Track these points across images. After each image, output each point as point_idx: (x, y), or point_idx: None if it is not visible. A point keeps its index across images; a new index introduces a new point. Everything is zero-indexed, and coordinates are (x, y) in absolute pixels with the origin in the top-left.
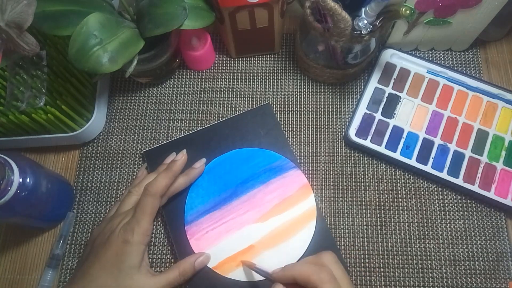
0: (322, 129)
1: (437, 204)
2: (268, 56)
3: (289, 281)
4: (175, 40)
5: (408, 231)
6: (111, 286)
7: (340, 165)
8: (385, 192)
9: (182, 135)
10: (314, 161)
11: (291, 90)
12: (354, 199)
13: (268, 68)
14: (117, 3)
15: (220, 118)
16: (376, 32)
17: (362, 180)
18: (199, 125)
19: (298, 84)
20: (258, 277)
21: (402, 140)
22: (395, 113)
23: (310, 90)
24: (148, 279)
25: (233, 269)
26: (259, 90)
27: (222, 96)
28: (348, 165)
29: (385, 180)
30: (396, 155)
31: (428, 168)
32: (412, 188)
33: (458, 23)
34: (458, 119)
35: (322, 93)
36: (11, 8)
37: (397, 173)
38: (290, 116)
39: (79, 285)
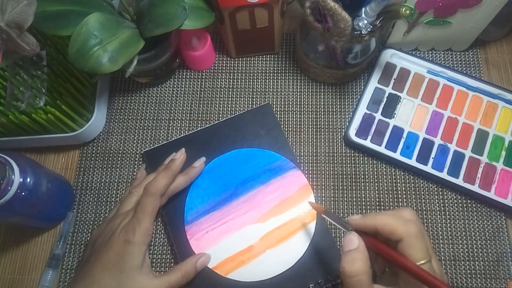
0: (322, 129)
1: (437, 204)
2: (268, 56)
3: (369, 230)
4: (175, 40)
5: None
6: (113, 287)
7: (340, 165)
8: (385, 192)
9: (182, 135)
10: (314, 161)
11: (291, 90)
12: (354, 199)
13: (268, 68)
14: (117, 3)
15: (220, 118)
16: (376, 32)
17: (362, 180)
18: (199, 125)
19: (298, 84)
20: (257, 277)
21: (402, 140)
22: (395, 113)
23: (310, 90)
24: (150, 281)
25: (233, 269)
26: (259, 90)
27: (222, 96)
28: (348, 165)
29: (385, 180)
30: (396, 155)
31: (428, 168)
32: (412, 188)
33: (458, 23)
34: (458, 119)
35: (322, 93)
36: (12, 8)
37: (397, 173)
38: (290, 116)
39: (80, 286)
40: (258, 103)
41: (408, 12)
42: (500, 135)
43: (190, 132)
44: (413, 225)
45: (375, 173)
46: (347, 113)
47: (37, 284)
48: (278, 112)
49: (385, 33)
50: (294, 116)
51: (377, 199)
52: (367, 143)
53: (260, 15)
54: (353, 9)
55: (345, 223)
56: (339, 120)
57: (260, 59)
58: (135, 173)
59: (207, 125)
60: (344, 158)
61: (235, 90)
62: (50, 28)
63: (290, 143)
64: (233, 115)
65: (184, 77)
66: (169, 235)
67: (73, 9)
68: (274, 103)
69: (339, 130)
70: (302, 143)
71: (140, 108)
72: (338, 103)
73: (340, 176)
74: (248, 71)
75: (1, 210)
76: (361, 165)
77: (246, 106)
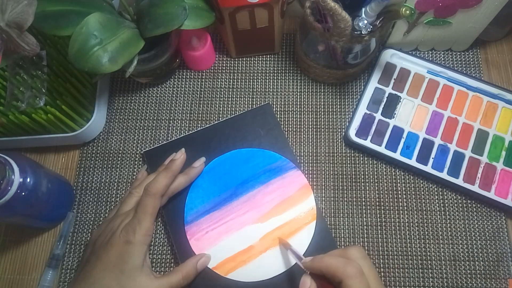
0: (322, 129)
1: (437, 204)
2: (268, 56)
3: (316, 273)
4: (175, 40)
5: (408, 231)
6: None
7: (340, 165)
8: (385, 192)
9: (182, 135)
10: (314, 161)
11: (291, 90)
12: (354, 199)
13: (268, 68)
14: (117, 3)
15: (220, 118)
16: (376, 32)
17: (362, 180)
18: (199, 125)
19: (298, 84)
20: (257, 278)
21: (402, 140)
22: (395, 113)
23: (310, 90)
24: (150, 282)
25: (233, 270)
26: (259, 90)
27: (222, 96)
28: (348, 165)
29: (385, 180)
30: (396, 155)
31: (428, 168)
32: (412, 188)
33: (458, 23)
34: (458, 119)
35: (322, 93)
36: (12, 8)
37: (397, 173)
38: (290, 116)
39: (81, 286)
40: (258, 103)
41: (408, 12)
42: (500, 135)
43: (190, 132)
44: (351, 267)
45: (375, 173)
46: (347, 113)
47: (37, 284)
48: (278, 112)
49: (385, 33)
50: (294, 116)
51: (377, 199)
52: (367, 143)
53: (260, 15)
54: (353, 9)
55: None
56: (339, 120)
57: (260, 59)
58: (135, 173)
59: (207, 125)
60: (344, 158)
61: (235, 90)
62: (50, 28)
63: (290, 143)
64: (233, 115)
65: (184, 77)
66: (169, 235)
67: (73, 9)
68: (274, 103)
69: (339, 130)
70: (302, 143)
71: (140, 108)
72: (338, 103)
73: (340, 176)
74: (248, 71)
75: (1, 210)
76: (361, 165)
77: (246, 106)
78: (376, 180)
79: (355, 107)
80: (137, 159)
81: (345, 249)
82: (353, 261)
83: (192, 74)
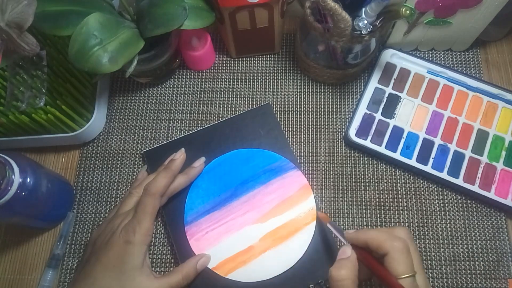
0: (322, 129)
1: (437, 204)
2: (268, 56)
3: (360, 244)
4: (175, 40)
5: None
6: None
7: (340, 165)
8: (385, 192)
9: (182, 135)
10: (314, 161)
11: (291, 90)
12: (354, 199)
13: (268, 68)
14: (117, 3)
15: (220, 118)
16: (376, 32)
17: (362, 180)
18: (199, 125)
19: (298, 84)
20: (257, 278)
21: (402, 140)
22: (395, 113)
23: (310, 90)
24: (150, 282)
25: (233, 270)
26: (259, 90)
27: (222, 96)
28: (348, 165)
29: (385, 180)
30: (396, 155)
31: (428, 168)
32: (412, 188)
33: (458, 23)
34: (458, 119)
35: (322, 93)
36: (12, 8)
37: (397, 173)
38: (290, 116)
39: (81, 286)
40: (258, 103)
41: (408, 12)
42: (500, 135)
43: (190, 132)
44: (399, 241)
45: (375, 173)
46: (347, 113)
47: (37, 284)
48: (278, 112)
49: (385, 33)
50: (294, 116)
51: (377, 199)
52: (367, 143)
53: (260, 15)
54: (353, 9)
55: (345, 237)
56: (339, 120)
57: (260, 59)
58: (135, 173)
59: (207, 125)
60: (344, 158)
61: (235, 90)
62: (50, 28)
63: (290, 143)
64: (233, 115)
65: (184, 77)
66: (169, 235)
67: (73, 9)
68: (274, 103)
69: (339, 130)
70: (302, 143)
71: (140, 108)
72: (338, 103)
73: (340, 176)
74: (248, 71)
75: (1, 210)
76: (361, 165)
77: (246, 106)
78: (376, 180)
79: (355, 107)
80: (137, 159)
81: (392, 227)
82: (401, 237)
83: (192, 74)
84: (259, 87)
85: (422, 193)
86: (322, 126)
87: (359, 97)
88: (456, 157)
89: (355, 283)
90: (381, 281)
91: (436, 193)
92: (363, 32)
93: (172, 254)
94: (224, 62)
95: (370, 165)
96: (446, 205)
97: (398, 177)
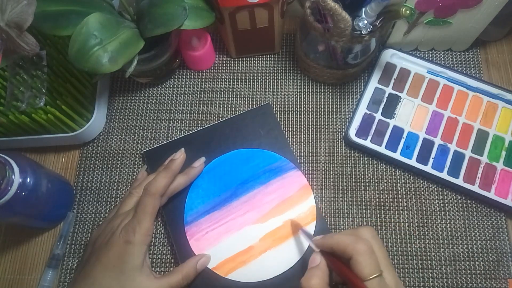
0: (322, 129)
1: (437, 204)
2: (268, 56)
3: (327, 250)
4: (175, 40)
5: (408, 231)
6: None
7: (340, 165)
8: (385, 192)
9: (182, 135)
10: (314, 161)
11: (291, 90)
12: (354, 199)
13: (268, 68)
14: (117, 3)
15: (220, 118)
16: (376, 32)
17: (362, 180)
18: (199, 125)
19: (298, 84)
20: (257, 278)
21: (402, 140)
22: (395, 113)
23: (310, 90)
24: (150, 282)
25: (233, 270)
26: (259, 90)
27: (222, 96)
28: (348, 165)
29: (385, 180)
30: (396, 155)
31: (428, 168)
32: (412, 188)
33: (458, 23)
34: (458, 119)
35: (322, 93)
36: (11, 8)
37: (397, 173)
38: (290, 116)
39: (81, 286)
40: (258, 103)
41: (408, 12)
42: (500, 135)
43: (190, 132)
44: (361, 243)
45: (375, 173)
46: (347, 113)
47: (37, 284)
48: (278, 112)
49: (385, 33)
50: (294, 116)
51: (377, 199)
52: (367, 143)
53: (260, 15)
54: (353, 9)
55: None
56: (339, 120)
57: (260, 59)
58: (135, 173)
59: (207, 125)
60: (344, 158)
61: (235, 90)
62: (50, 28)
63: (290, 143)
64: (233, 115)
65: (184, 77)
66: (169, 235)
67: (73, 9)
68: (274, 103)
69: (339, 130)
70: (302, 143)
71: (140, 108)
72: (338, 103)
73: (340, 176)
74: (248, 71)
75: (1, 210)
76: (361, 165)
77: (246, 106)
78: (376, 180)
79: (355, 107)
80: (137, 159)
81: (356, 228)
82: (364, 239)
83: (192, 74)
84: (259, 87)
85: (422, 193)
86: (322, 126)
87: (359, 97)
88: (456, 157)
89: None
90: (349, 285)
91: (436, 193)
92: (363, 32)
93: (172, 254)
94: (224, 62)
95: (370, 165)
96: (446, 205)
97: (398, 177)
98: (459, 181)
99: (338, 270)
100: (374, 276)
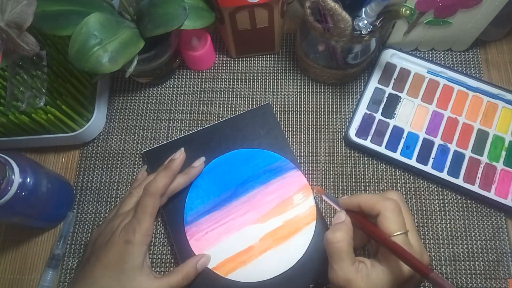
0: (322, 129)
1: (437, 204)
2: (268, 56)
3: (354, 208)
4: (175, 40)
5: None
6: None
7: (340, 165)
8: None
9: (182, 135)
10: (314, 161)
11: (291, 90)
12: None
13: (268, 68)
14: (117, 3)
15: (220, 118)
16: (376, 32)
17: (362, 180)
18: (199, 125)
19: (298, 84)
20: (257, 278)
21: (402, 140)
22: (395, 113)
23: (310, 90)
24: (150, 282)
25: (233, 270)
26: (259, 90)
27: (222, 96)
28: (348, 165)
29: (385, 180)
30: (396, 155)
31: (428, 168)
32: (412, 188)
33: (458, 23)
34: (458, 119)
35: (322, 93)
36: (11, 8)
37: (397, 173)
38: (290, 116)
39: (81, 286)
40: (258, 103)
41: (408, 12)
42: (500, 135)
43: (190, 132)
44: (390, 201)
45: (375, 173)
46: (347, 113)
47: (37, 284)
48: (278, 112)
49: (385, 33)
50: (294, 116)
51: None
52: (367, 143)
53: (260, 15)
54: (353, 9)
55: (339, 204)
56: (339, 120)
57: (260, 59)
58: (135, 173)
59: (207, 125)
60: (344, 158)
61: (235, 90)
62: (50, 28)
63: (290, 143)
64: (233, 115)
65: (184, 77)
66: (169, 235)
67: (73, 9)
68: (274, 103)
69: (339, 130)
70: (302, 143)
71: (140, 108)
72: (338, 103)
73: (340, 176)
74: (248, 71)
75: (1, 210)
76: (361, 165)
77: (246, 106)
78: (376, 180)
79: (355, 107)
80: (137, 159)
81: (384, 192)
82: (392, 199)
83: (192, 74)
84: (259, 87)
85: (422, 193)
86: (322, 126)
87: (359, 97)
88: (456, 157)
89: (350, 244)
90: (375, 240)
91: (436, 193)
92: (363, 32)
93: (172, 254)
94: (224, 62)
95: (370, 165)
96: (446, 205)
97: (398, 177)
98: (459, 181)
99: (364, 226)
100: (400, 233)
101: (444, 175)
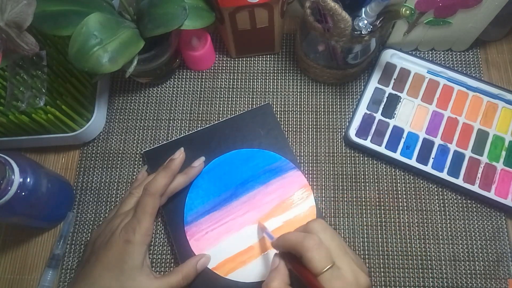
0: (322, 129)
1: (437, 204)
2: (268, 56)
3: (283, 250)
4: (175, 40)
5: (408, 231)
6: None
7: (340, 165)
8: (385, 192)
9: (182, 135)
10: (314, 161)
11: (291, 90)
12: (354, 199)
13: (268, 68)
14: (117, 3)
15: (220, 118)
16: (376, 32)
17: (362, 180)
18: (199, 125)
19: (298, 84)
20: (257, 278)
21: (402, 140)
22: (395, 113)
23: (310, 90)
24: (150, 282)
25: (233, 270)
26: (259, 90)
27: (222, 96)
28: (348, 165)
29: (385, 180)
30: (396, 155)
31: (428, 168)
32: (412, 188)
33: (458, 23)
34: (458, 119)
35: (322, 93)
36: (11, 8)
37: (397, 173)
38: (290, 116)
39: (81, 286)
40: (258, 103)
41: (408, 12)
42: (500, 135)
43: (190, 132)
44: (309, 239)
45: (375, 173)
46: (347, 113)
47: (37, 284)
48: (278, 112)
49: (385, 33)
50: (294, 116)
51: (377, 199)
52: (367, 143)
53: (260, 15)
54: (353, 9)
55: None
56: (339, 120)
57: (260, 59)
58: (135, 173)
59: (207, 125)
60: (344, 158)
61: (235, 90)
62: (50, 28)
63: (290, 143)
64: (233, 115)
65: (184, 77)
66: (169, 235)
67: (73, 9)
68: (274, 103)
69: (339, 130)
70: (302, 143)
71: (140, 108)
72: (338, 103)
73: (340, 176)
74: (248, 71)
75: (1, 210)
76: (361, 165)
77: (246, 106)
78: (376, 180)
79: (355, 107)
80: (137, 159)
81: (306, 223)
82: (312, 234)
83: (192, 74)
84: (259, 87)
85: (422, 193)
86: (322, 126)
87: (359, 97)
88: (456, 157)
89: None
90: (304, 282)
91: (436, 193)
92: (363, 32)
93: (172, 254)
94: (224, 62)
95: (370, 165)
96: (446, 205)
97: (398, 177)
98: (459, 181)
99: (294, 269)
100: (326, 268)
101: (444, 175)
